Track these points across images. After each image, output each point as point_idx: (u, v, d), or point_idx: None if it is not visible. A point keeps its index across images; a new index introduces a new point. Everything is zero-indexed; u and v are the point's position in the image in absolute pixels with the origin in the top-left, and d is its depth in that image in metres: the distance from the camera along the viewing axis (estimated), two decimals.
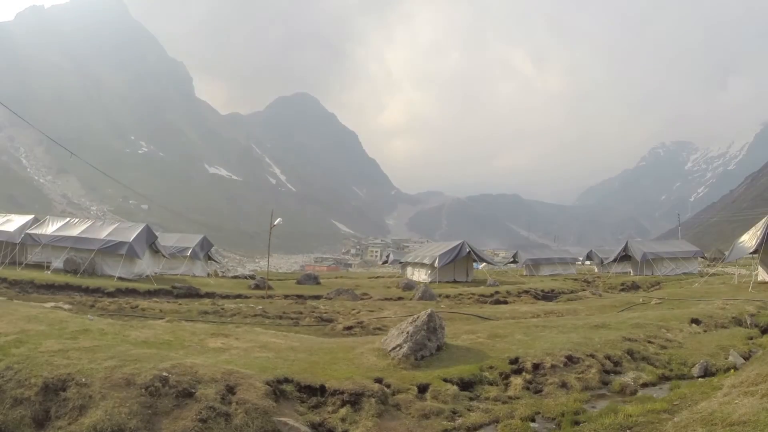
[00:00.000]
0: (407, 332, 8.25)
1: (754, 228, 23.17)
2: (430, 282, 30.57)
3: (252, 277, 34.37)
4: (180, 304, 17.34)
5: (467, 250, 33.28)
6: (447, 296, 22.89)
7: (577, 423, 5.87)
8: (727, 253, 26.21)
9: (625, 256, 39.28)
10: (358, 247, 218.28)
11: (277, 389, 6.19)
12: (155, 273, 28.00)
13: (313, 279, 32.64)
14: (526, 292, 25.97)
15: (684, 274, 35.71)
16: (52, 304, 13.88)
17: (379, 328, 12.72)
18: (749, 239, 22.76)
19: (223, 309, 16.10)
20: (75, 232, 26.16)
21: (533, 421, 6.23)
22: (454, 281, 33.56)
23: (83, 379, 5.71)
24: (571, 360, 8.35)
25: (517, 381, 7.58)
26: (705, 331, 11.67)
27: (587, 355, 8.54)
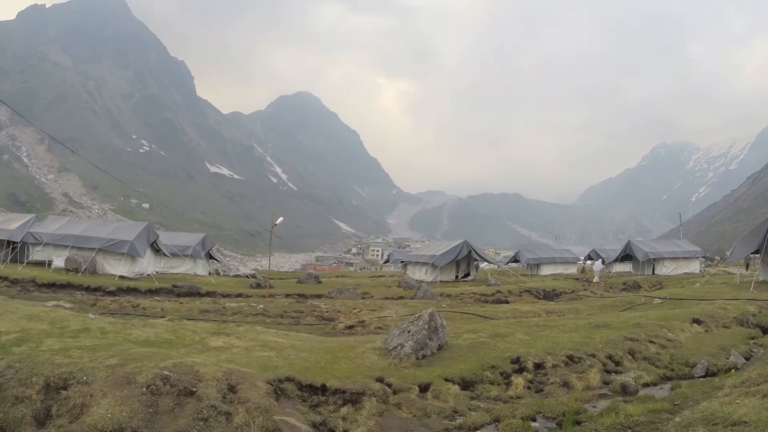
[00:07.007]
0: (408, 331, 8.24)
1: (755, 227, 23.11)
2: (432, 281, 30.54)
3: (253, 276, 34.36)
4: (181, 302, 17.34)
5: (468, 249, 33.27)
6: (448, 295, 22.85)
7: (578, 422, 5.86)
8: (728, 252, 26.14)
9: (626, 256, 39.22)
10: (359, 246, 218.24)
11: (279, 388, 6.19)
12: (156, 272, 28.02)
13: (314, 278, 32.62)
14: (528, 291, 26.00)
15: (685, 273, 35.64)
16: (54, 302, 13.91)
17: (380, 328, 12.69)
18: (750, 239, 22.71)
19: (224, 308, 16.11)
20: (76, 230, 26.19)
21: (534, 420, 6.23)
22: (456, 280, 33.56)
23: (84, 378, 5.72)
24: (572, 359, 8.35)
25: (518, 380, 7.58)
26: (706, 331, 11.65)
27: (588, 355, 8.54)
